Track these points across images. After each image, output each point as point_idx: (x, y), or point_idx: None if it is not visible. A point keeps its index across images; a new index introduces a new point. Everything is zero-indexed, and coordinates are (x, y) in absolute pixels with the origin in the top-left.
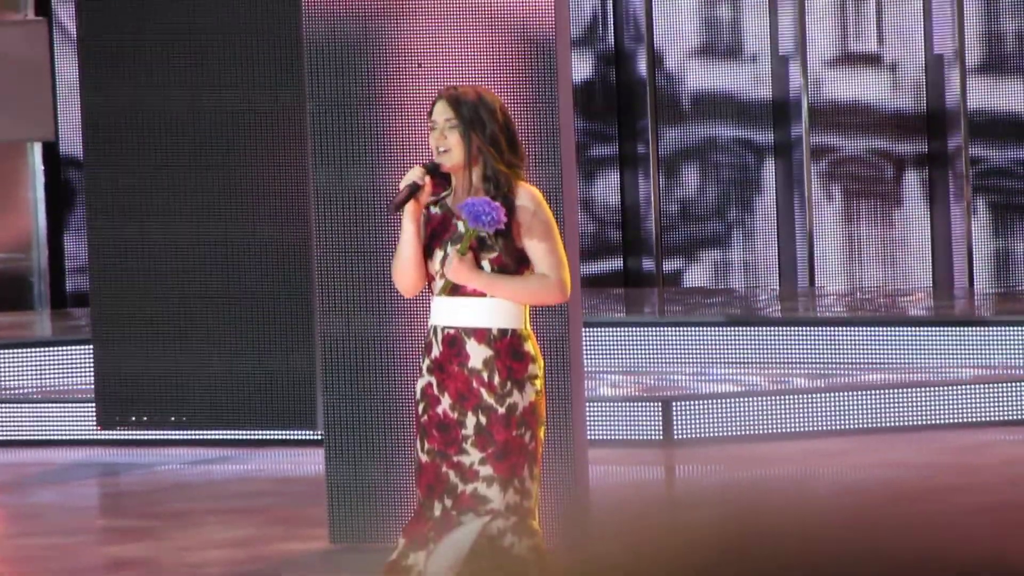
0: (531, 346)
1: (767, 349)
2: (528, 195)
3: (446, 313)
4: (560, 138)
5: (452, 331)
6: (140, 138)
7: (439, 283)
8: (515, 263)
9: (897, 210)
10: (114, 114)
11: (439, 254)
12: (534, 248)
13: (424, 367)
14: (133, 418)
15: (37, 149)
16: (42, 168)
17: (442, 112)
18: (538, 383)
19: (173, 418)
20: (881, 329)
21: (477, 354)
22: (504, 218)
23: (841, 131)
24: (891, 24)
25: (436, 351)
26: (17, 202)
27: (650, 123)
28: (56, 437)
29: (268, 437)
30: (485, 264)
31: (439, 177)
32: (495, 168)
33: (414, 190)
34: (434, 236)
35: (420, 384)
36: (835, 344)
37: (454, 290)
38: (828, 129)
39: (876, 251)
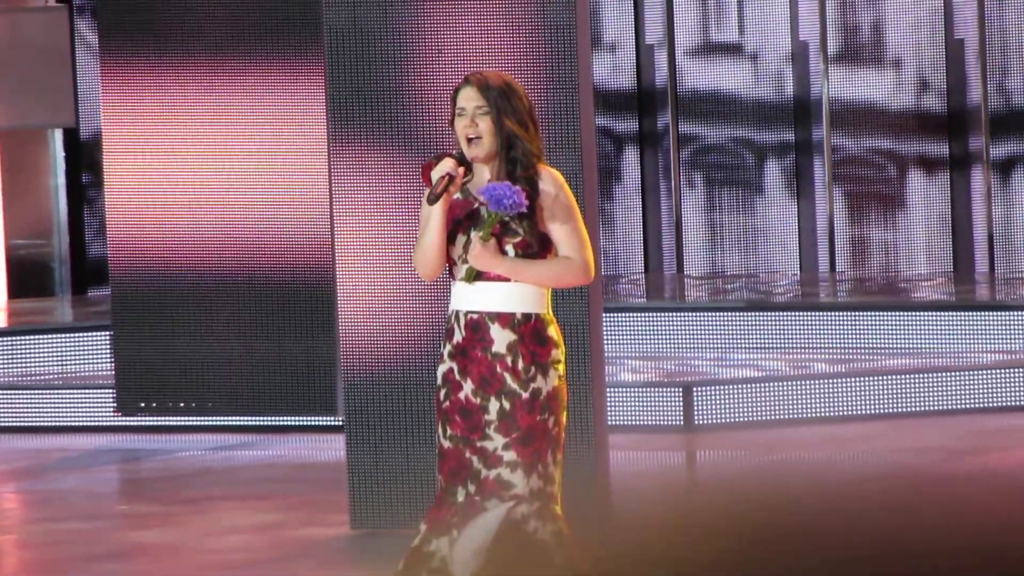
0: (554, 331)
1: (787, 334)
2: (550, 178)
3: (469, 298)
4: (581, 122)
5: (476, 316)
6: (160, 127)
7: (462, 269)
8: (539, 246)
9: (760, 198)
10: (135, 101)
11: (461, 239)
12: (557, 230)
13: (445, 352)
14: (154, 404)
15: (58, 136)
16: (63, 155)
17: (472, 99)
18: (561, 368)
19: (193, 404)
20: (901, 314)
21: (501, 339)
22: (526, 201)
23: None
24: (754, 14)
25: (458, 336)
26: (38, 189)
27: (671, 120)
28: (77, 423)
29: (289, 423)
30: (509, 248)
31: (466, 165)
32: (525, 151)
33: (449, 181)
34: (456, 221)
35: (441, 370)
36: (855, 329)
37: (478, 276)
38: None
39: (739, 238)
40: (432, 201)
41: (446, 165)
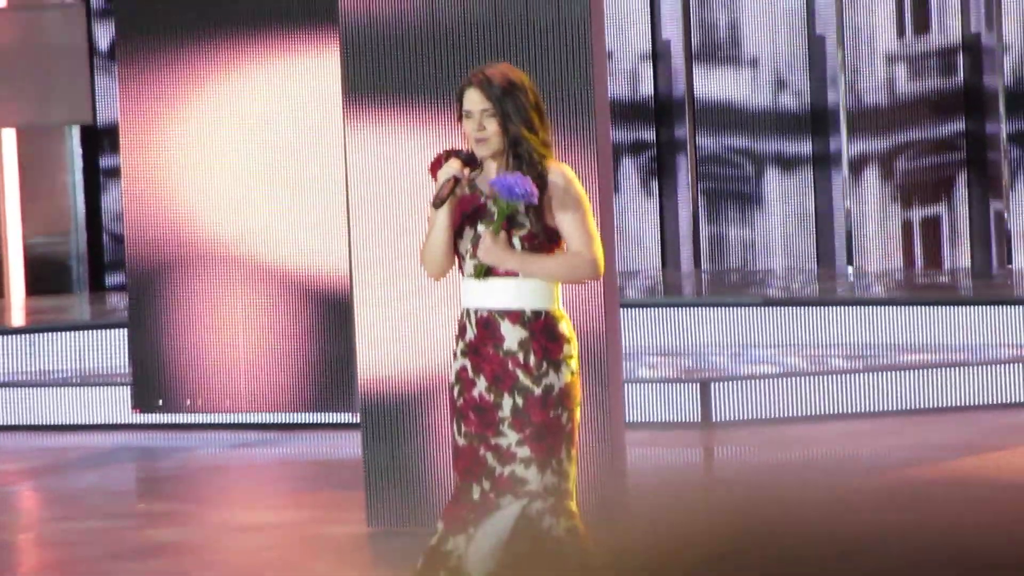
0: (565, 326)
1: (806, 330)
2: (559, 172)
3: (479, 295)
4: (596, 118)
5: (486, 314)
6: (178, 126)
7: (470, 264)
8: (546, 239)
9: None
10: (152, 100)
11: (469, 233)
12: (566, 224)
13: (459, 350)
14: (171, 401)
15: (75, 132)
16: (80, 151)
17: (477, 102)
18: (573, 363)
19: (211, 401)
20: (920, 309)
21: (512, 336)
22: (536, 191)
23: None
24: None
25: (471, 334)
26: (56, 186)
27: (688, 126)
28: (95, 421)
29: (306, 421)
30: (516, 241)
31: (473, 163)
32: (529, 147)
33: (455, 184)
34: (463, 216)
35: (455, 367)
36: (874, 325)
37: (487, 272)
38: None
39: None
40: (438, 205)
41: (451, 168)
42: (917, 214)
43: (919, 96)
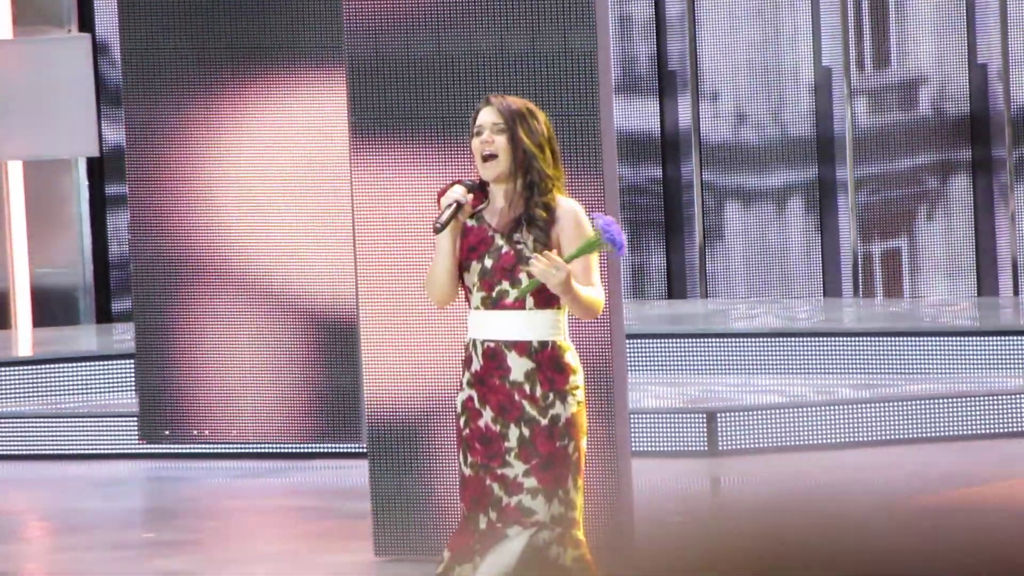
0: (571, 357)
1: (812, 359)
2: (570, 208)
3: (485, 326)
4: (603, 150)
5: (492, 344)
6: (185, 155)
7: (476, 296)
8: None
9: None
10: (158, 130)
11: (476, 267)
12: (578, 262)
13: (464, 381)
14: (177, 431)
15: (82, 164)
16: (87, 183)
17: (489, 116)
18: (579, 394)
19: (217, 431)
20: (926, 339)
21: (518, 367)
22: (626, 249)
23: None
24: None
25: (476, 365)
26: (63, 217)
27: (695, 152)
28: (102, 451)
29: (312, 450)
30: (523, 277)
31: (478, 191)
32: (541, 172)
33: (457, 209)
34: (471, 249)
35: (461, 398)
36: (880, 354)
37: (495, 304)
38: None
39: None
40: (438, 229)
41: (454, 193)
42: (921, 242)
43: (930, 122)
